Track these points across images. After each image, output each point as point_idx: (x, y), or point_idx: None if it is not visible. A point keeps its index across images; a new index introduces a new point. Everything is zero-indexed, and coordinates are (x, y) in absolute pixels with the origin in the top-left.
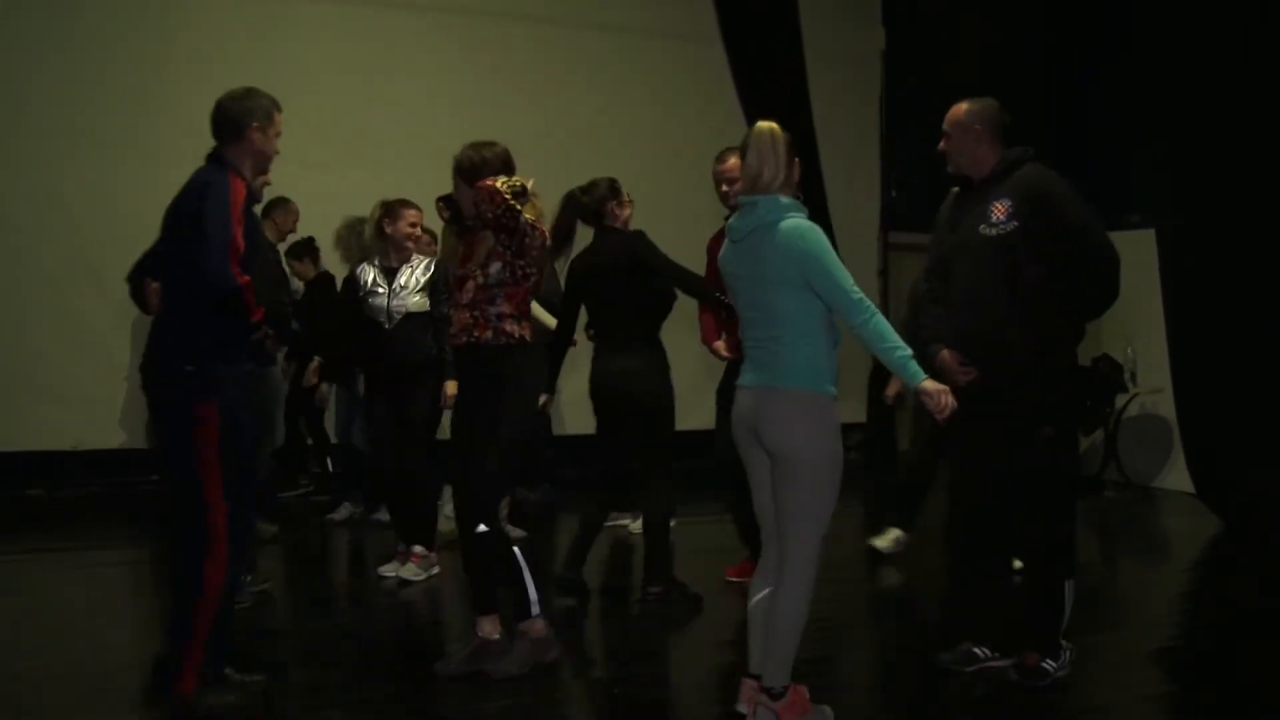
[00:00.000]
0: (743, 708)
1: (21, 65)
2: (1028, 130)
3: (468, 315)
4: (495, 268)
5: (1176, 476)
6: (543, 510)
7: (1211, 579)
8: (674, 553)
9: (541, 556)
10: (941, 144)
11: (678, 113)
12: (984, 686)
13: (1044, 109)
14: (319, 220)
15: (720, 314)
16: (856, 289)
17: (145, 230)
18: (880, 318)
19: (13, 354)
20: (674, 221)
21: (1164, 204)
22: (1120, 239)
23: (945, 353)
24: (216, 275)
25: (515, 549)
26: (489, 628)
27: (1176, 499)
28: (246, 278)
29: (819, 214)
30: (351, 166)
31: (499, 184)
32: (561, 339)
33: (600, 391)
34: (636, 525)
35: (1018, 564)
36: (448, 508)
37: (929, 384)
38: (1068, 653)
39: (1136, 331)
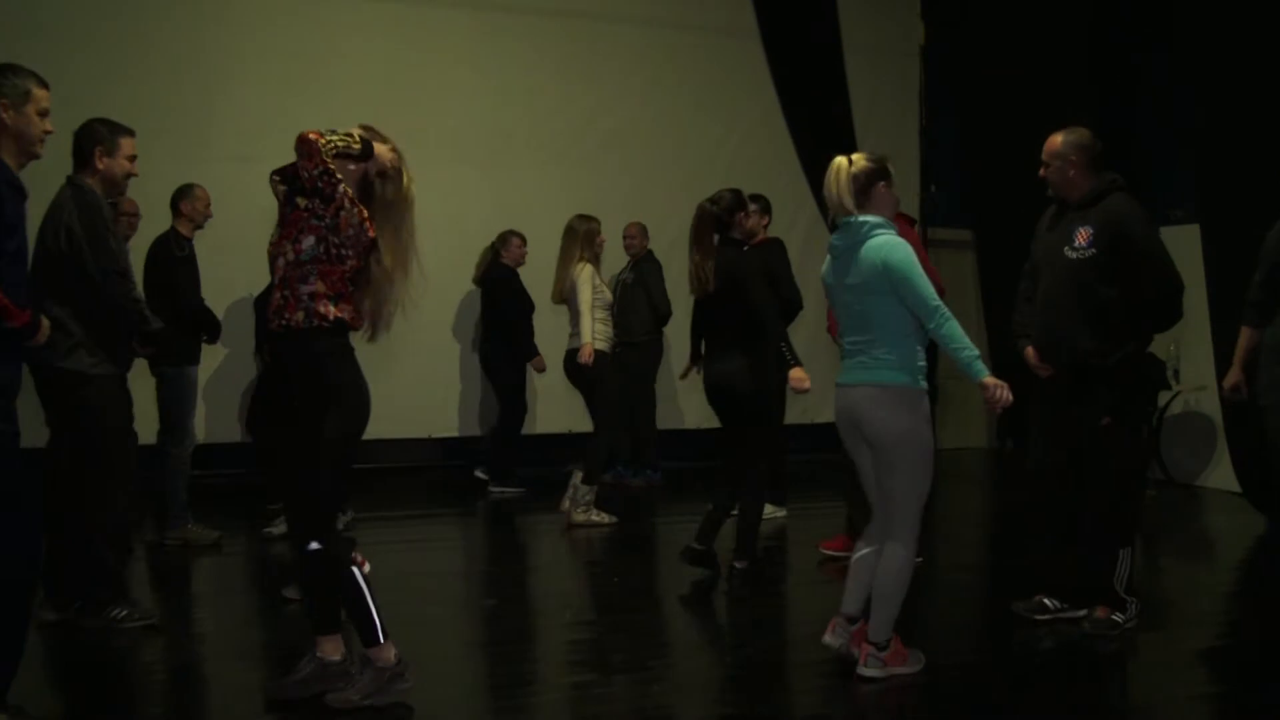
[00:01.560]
0: (828, 639)
1: (41, 58)
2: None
3: (279, 296)
4: (308, 242)
5: (1221, 475)
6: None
7: (1257, 578)
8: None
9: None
10: (1041, 172)
11: (716, 108)
12: (1053, 639)
13: (1089, 104)
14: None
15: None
16: (935, 298)
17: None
18: (953, 323)
19: None
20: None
21: (1209, 199)
22: (1165, 234)
23: (1030, 349)
24: None
25: (354, 570)
26: (329, 648)
27: (1221, 498)
28: None
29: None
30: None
31: (322, 138)
32: (694, 344)
33: (709, 390)
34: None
35: None
36: None
37: (989, 379)
38: (1133, 606)
39: (1180, 328)
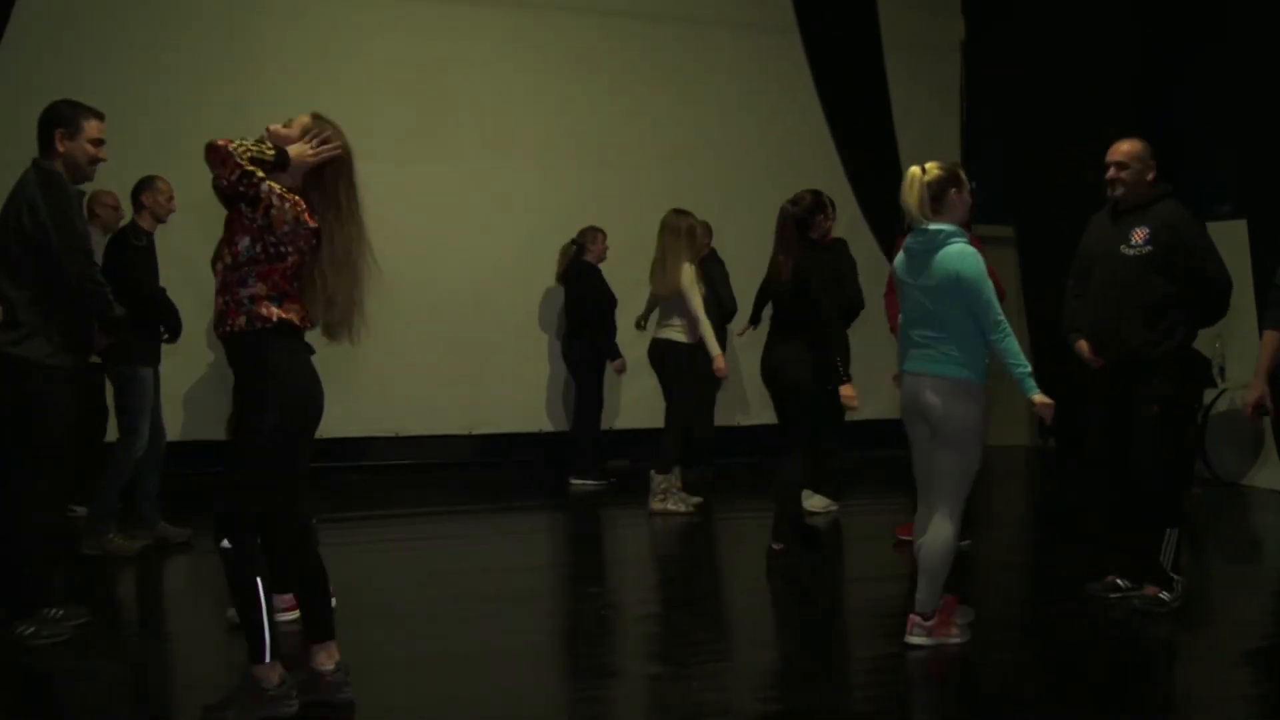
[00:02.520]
0: (910, 639)
1: (70, 59)
2: (1117, 121)
3: (220, 301)
4: (244, 243)
5: (1268, 474)
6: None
7: None
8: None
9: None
10: (1114, 173)
11: (754, 104)
12: (1099, 630)
13: (1134, 99)
14: (397, 219)
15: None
16: (1000, 313)
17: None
18: (1013, 340)
19: None
20: (750, 212)
21: (1256, 194)
22: (1210, 229)
23: (1082, 342)
24: None
25: (257, 580)
26: (322, 658)
27: (1267, 496)
28: None
29: (895, 207)
30: (423, 161)
31: (234, 145)
32: (757, 307)
33: (764, 375)
34: (808, 504)
35: None
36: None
37: (1038, 397)
38: (1179, 585)
39: (1225, 325)
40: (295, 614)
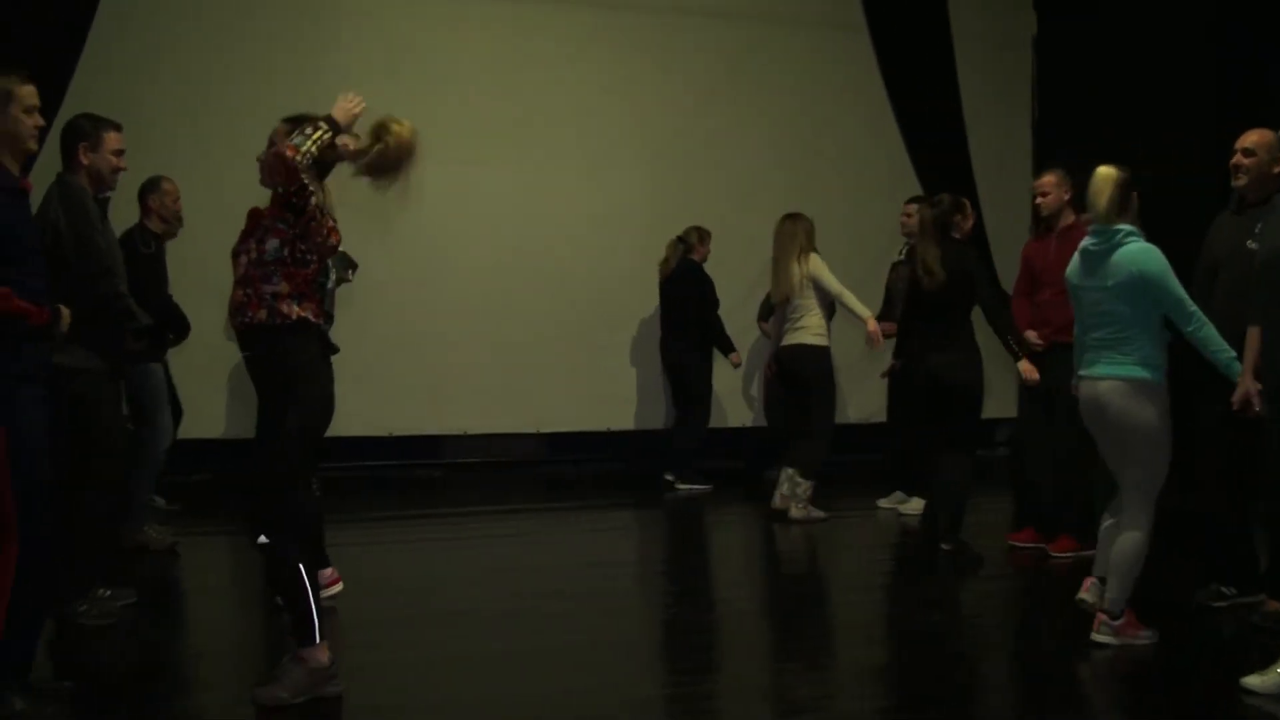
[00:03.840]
0: (1083, 595)
1: (145, 60)
2: (1196, 115)
3: (240, 293)
4: (272, 244)
5: None
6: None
7: None
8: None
9: None
10: (1238, 159)
11: (823, 102)
12: (1232, 626)
13: (1216, 94)
14: (465, 216)
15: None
16: (1192, 303)
17: None
18: (1210, 327)
19: None
20: (819, 209)
21: None
22: None
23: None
24: None
25: (300, 566)
26: (326, 654)
27: None
28: (3, 288)
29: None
30: (495, 162)
31: (298, 154)
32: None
33: (924, 379)
34: (908, 506)
35: None
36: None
37: (1248, 379)
38: None
39: None
40: (339, 588)
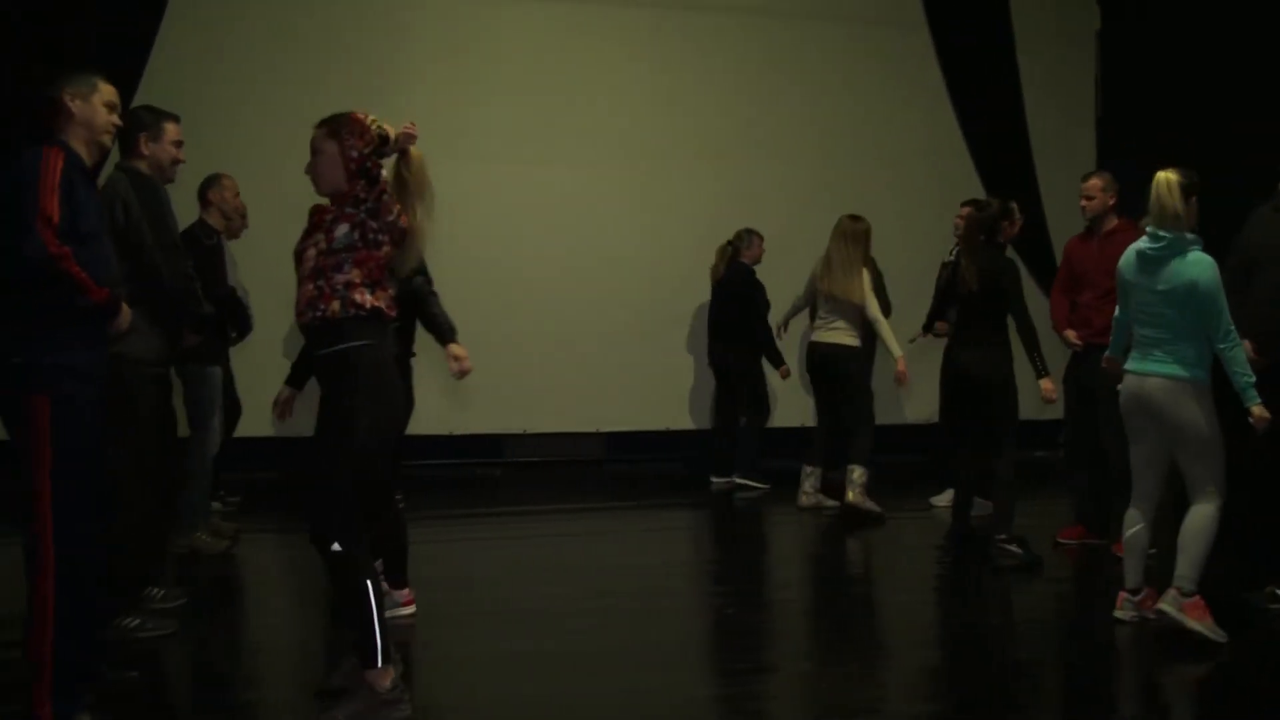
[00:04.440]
0: (1119, 613)
1: (213, 59)
2: (1265, 112)
3: (311, 288)
4: (342, 230)
5: None
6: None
7: None
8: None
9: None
10: None
11: (883, 100)
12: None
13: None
14: (524, 217)
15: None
16: (1230, 321)
17: None
18: (1240, 348)
19: None
20: (880, 207)
21: None
22: None
23: (1246, 343)
24: (25, 248)
25: (368, 583)
26: (390, 678)
27: None
28: (65, 248)
29: (1031, 202)
30: (551, 162)
31: (369, 118)
32: (932, 317)
33: (955, 378)
34: (942, 499)
35: None
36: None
37: (1258, 409)
38: None
39: None
40: (412, 609)
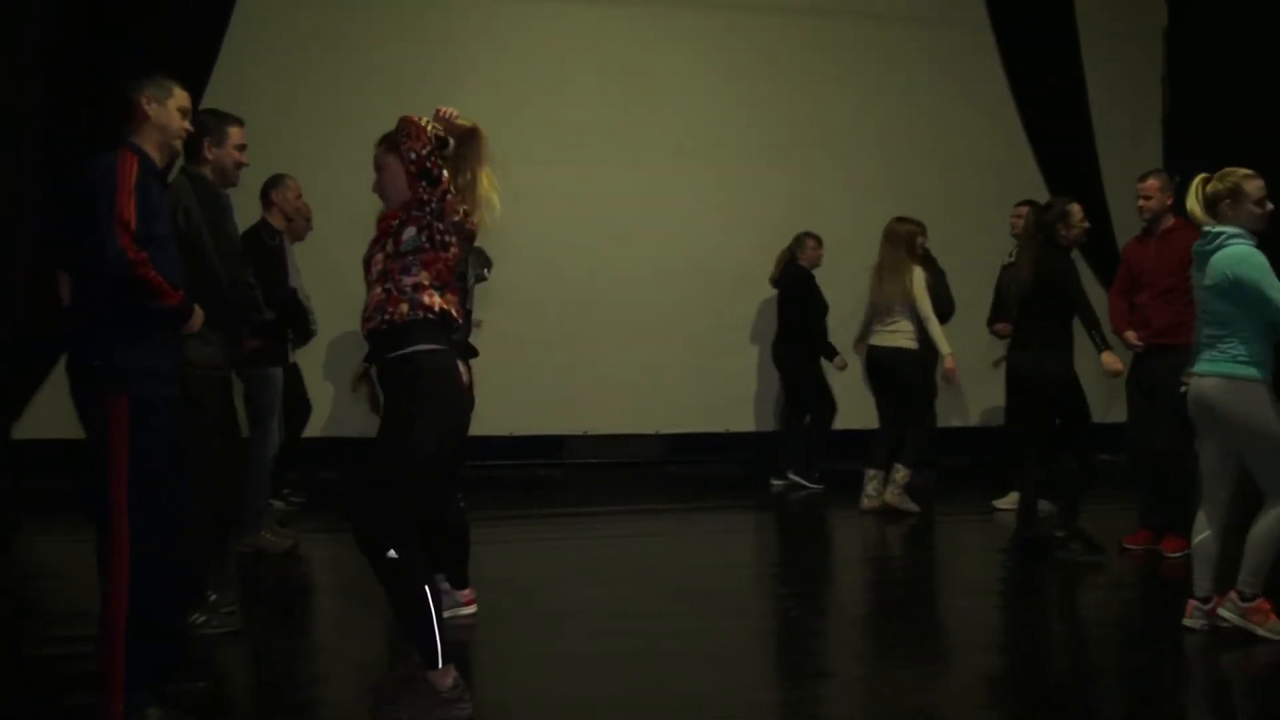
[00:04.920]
0: (1189, 622)
1: (282, 63)
2: None
3: (379, 291)
4: (409, 233)
5: None
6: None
7: None
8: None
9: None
10: None
11: (945, 101)
12: None
13: None
14: (585, 219)
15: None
16: None
17: None
18: None
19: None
20: (941, 209)
21: None
22: None
23: None
24: (103, 253)
25: (425, 588)
26: (451, 676)
27: None
28: (142, 253)
29: (1095, 203)
30: (612, 164)
31: (424, 120)
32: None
33: (1018, 378)
34: (1005, 501)
35: None
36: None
37: None
38: None
39: None
40: (473, 608)
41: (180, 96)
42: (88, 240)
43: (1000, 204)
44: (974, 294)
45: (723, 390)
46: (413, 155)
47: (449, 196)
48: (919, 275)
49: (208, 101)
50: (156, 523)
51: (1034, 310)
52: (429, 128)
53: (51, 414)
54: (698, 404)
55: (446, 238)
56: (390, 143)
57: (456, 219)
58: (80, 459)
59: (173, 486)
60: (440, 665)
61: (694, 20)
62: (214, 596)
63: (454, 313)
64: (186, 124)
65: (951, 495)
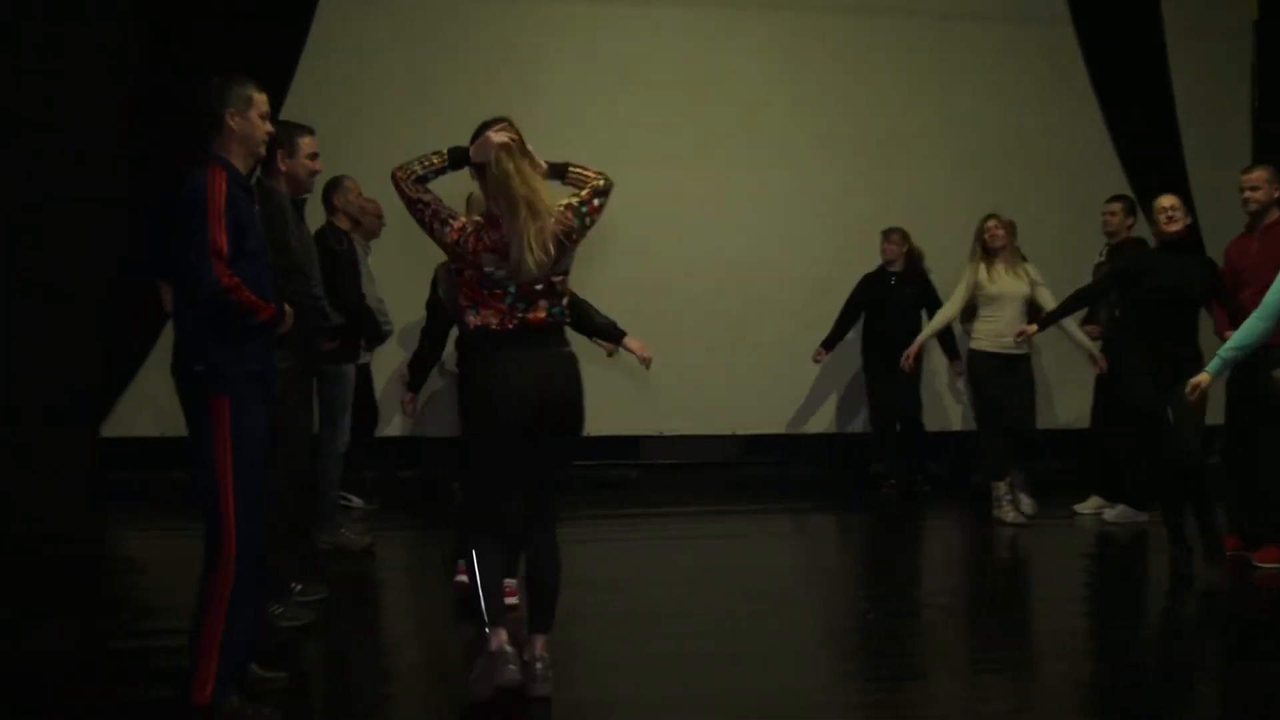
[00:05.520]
0: None
1: (358, 67)
2: None
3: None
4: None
5: None
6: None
7: None
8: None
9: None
10: None
11: (1023, 99)
12: None
13: None
14: (661, 220)
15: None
16: None
17: None
18: None
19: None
20: (1024, 206)
21: None
22: None
23: None
24: (199, 281)
25: (472, 553)
26: (497, 641)
27: None
28: (234, 279)
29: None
30: (687, 165)
31: (400, 171)
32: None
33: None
34: (1111, 514)
35: None
36: None
37: None
38: None
39: None
40: (514, 600)
41: (260, 102)
42: (184, 263)
43: (1084, 204)
44: (1057, 294)
45: (801, 391)
46: (407, 206)
47: (435, 235)
48: (1025, 271)
49: (287, 107)
50: (256, 516)
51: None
52: (406, 177)
53: (137, 412)
54: (775, 405)
55: (457, 265)
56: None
57: (454, 251)
58: (166, 456)
59: (263, 483)
60: (485, 627)
61: (774, 23)
62: (299, 587)
63: (490, 325)
64: (268, 126)
65: (1036, 498)
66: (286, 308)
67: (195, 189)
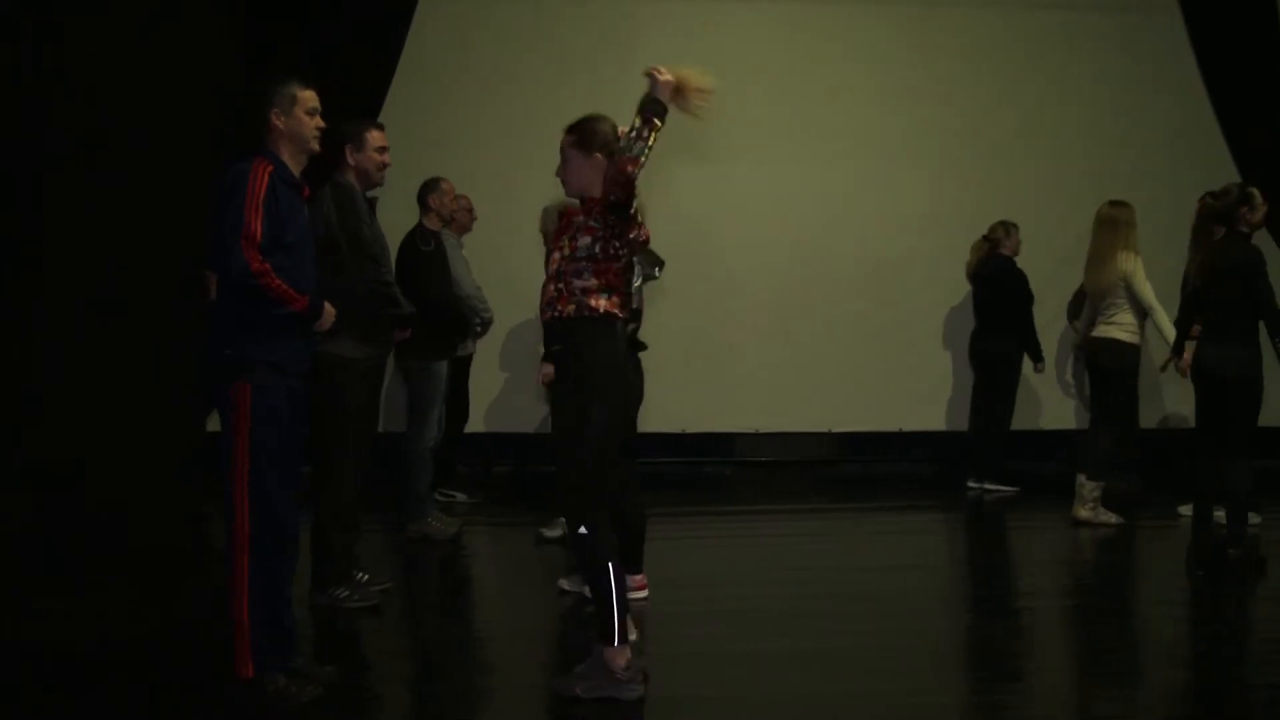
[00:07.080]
0: None
1: (455, 65)
2: None
3: (553, 288)
4: (584, 241)
5: None
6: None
7: None
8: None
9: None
10: None
11: (1130, 88)
12: None
13: None
14: (760, 215)
15: None
16: None
17: None
18: None
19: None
20: (1130, 198)
21: None
22: None
23: None
24: (228, 264)
25: (609, 564)
26: (610, 656)
27: None
28: (265, 265)
29: None
30: (780, 161)
31: (637, 164)
32: (1181, 329)
33: (1200, 373)
34: (1188, 508)
35: None
36: None
37: None
38: None
39: None
40: (644, 593)
41: (305, 99)
42: (221, 248)
43: (1194, 194)
44: (1164, 287)
45: (897, 388)
46: (612, 197)
47: (631, 222)
48: (1138, 262)
49: (390, 103)
50: (273, 496)
51: (1216, 302)
52: (640, 167)
53: None
54: (871, 402)
55: (620, 251)
56: (576, 134)
57: (633, 235)
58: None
59: (283, 467)
60: (616, 643)
61: (870, 13)
62: (364, 577)
63: (617, 313)
64: (318, 122)
65: (1141, 500)
66: (327, 305)
67: (237, 177)
